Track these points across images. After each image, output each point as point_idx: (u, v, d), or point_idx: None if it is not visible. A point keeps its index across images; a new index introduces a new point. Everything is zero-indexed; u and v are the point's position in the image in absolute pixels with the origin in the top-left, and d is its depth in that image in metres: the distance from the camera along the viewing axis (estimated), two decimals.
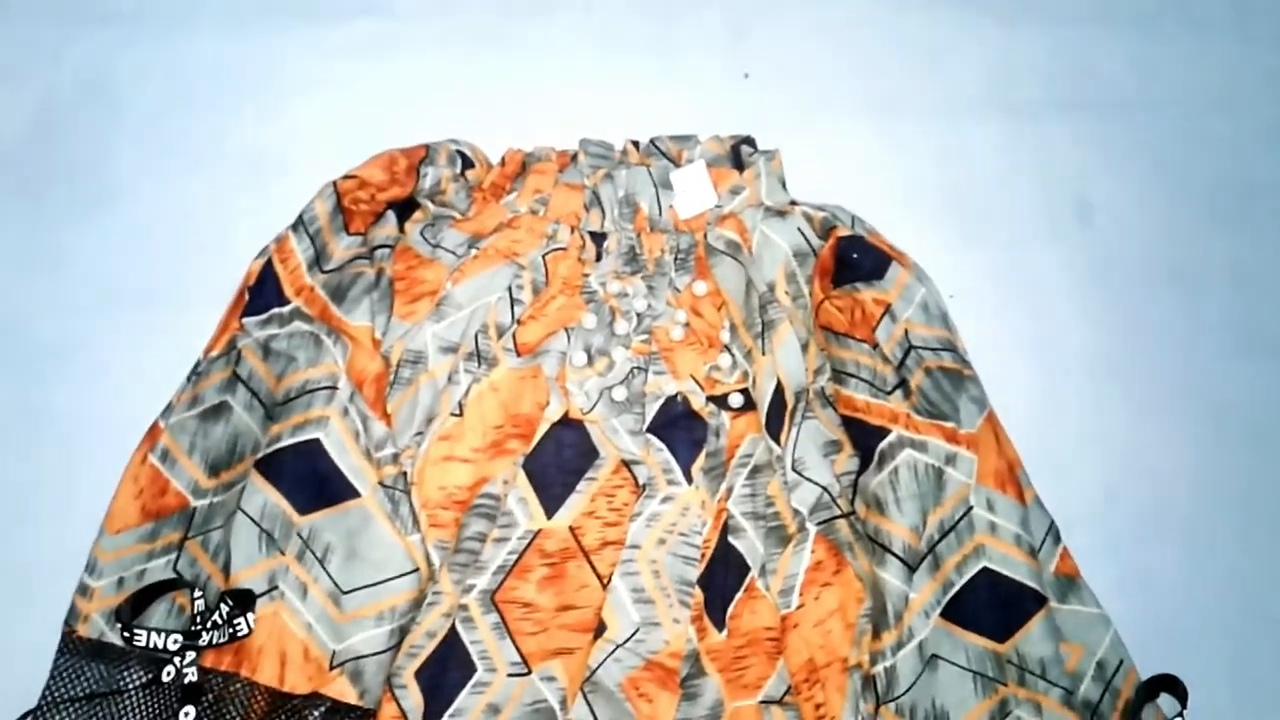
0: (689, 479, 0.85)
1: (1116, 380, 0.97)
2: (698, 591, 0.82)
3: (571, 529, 0.84)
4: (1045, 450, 0.90)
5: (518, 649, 0.80)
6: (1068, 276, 1.00)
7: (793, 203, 0.95)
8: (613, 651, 0.80)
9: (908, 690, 0.80)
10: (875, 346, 0.89)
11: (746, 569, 0.84)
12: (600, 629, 0.80)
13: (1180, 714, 0.81)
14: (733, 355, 0.90)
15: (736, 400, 0.89)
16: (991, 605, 0.82)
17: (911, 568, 0.82)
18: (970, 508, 0.84)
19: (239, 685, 0.79)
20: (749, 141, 0.97)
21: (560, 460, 0.86)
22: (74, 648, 0.80)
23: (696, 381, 0.89)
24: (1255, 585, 0.92)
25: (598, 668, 0.79)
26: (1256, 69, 1.07)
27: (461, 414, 0.86)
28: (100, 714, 0.78)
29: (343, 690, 0.79)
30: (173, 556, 0.83)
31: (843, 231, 0.92)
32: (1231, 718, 0.87)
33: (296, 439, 0.83)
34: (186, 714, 0.77)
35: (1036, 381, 0.96)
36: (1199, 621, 0.91)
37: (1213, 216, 1.03)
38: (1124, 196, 1.03)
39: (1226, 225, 1.03)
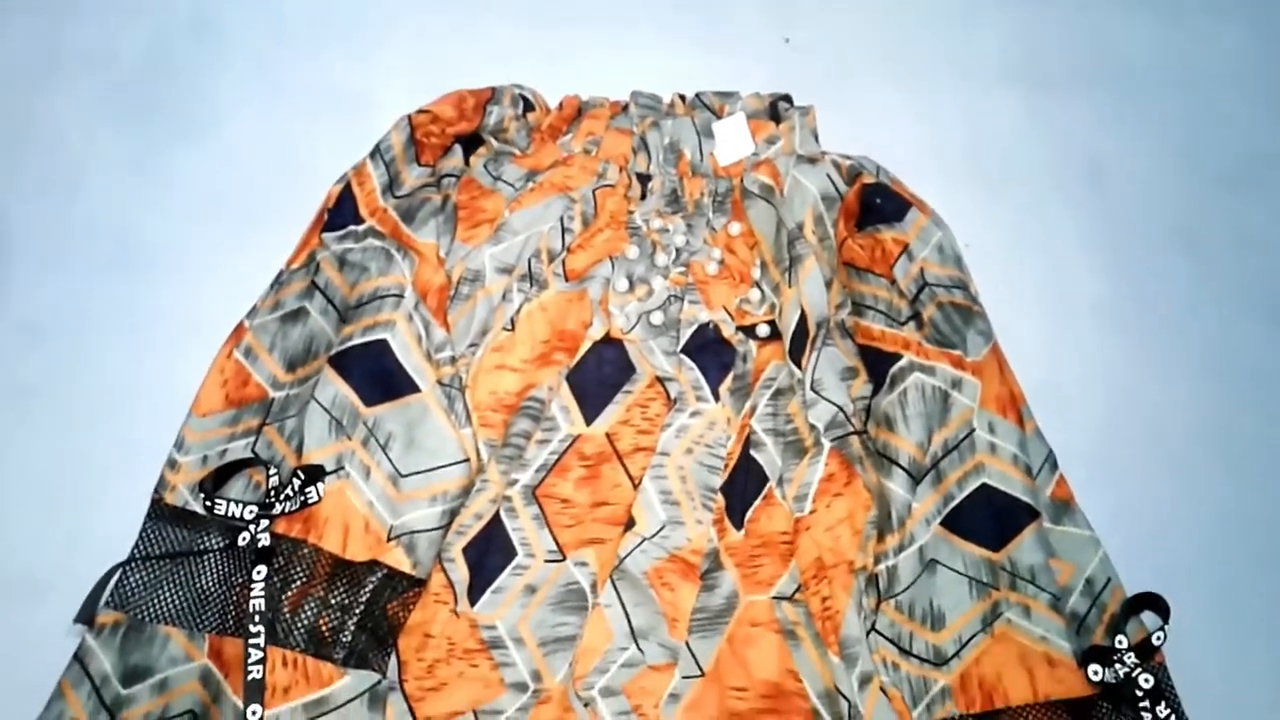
0: (716, 397, 0.93)
1: (1118, 327, 1.03)
2: (719, 497, 0.89)
3: (608, 435, 0.91)
4: (1049, 389, 0.97)
5: (554, 538, 0.88)
6: (1078, 233, 1.07)
7: (823, 153, 1.03)
8: (640, 544, 0.87)
9: (907, 588, 0.86)
10: (893, 282, 0.96)
11: (765, 479, 0.90)
12: (630, 524, 0.88)
13: (1162, 629, 0.85)
14: (762, 290, 0.98)
15: (763, 330, 0.96)
16: (988, 517, 0.88)
17: (916, 479, 0.88)
18: (973, 430, 0.91)
19: (306, 550, 0.86)
20: (786, 99, 1.05)
21: (600, 374, 0.93)
22: (160, 513, 0.88)
23: (728, 312, 0.97)
24: (1237, 518, 0.97)
25: (626, 557, 0.86)
26: (1265, 51, 1.14)
27: (513, 329, 0.94)
28: (182, 570, 0.86)
29: (398, 560, 0.86)
30: (252, 439, 0.91)
31: (868, 179, 0.99)
32: (1211, 636, 0.92)
33: (366, 339, 0.91)
34: (259, 572, 0.84)
35: (1043, 325, 1.02)
36: (1185, 549, 0.96)
37: (1218, 184, 1.09)
38: (1135, 164, 1.09)
39: (1230, 193, 1.09)
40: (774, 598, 0.87)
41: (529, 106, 1.04)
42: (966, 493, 0.89)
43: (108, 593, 0.84)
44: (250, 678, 0.81)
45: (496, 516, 0.88)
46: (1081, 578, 0.89)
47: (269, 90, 1.10)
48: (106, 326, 1.00)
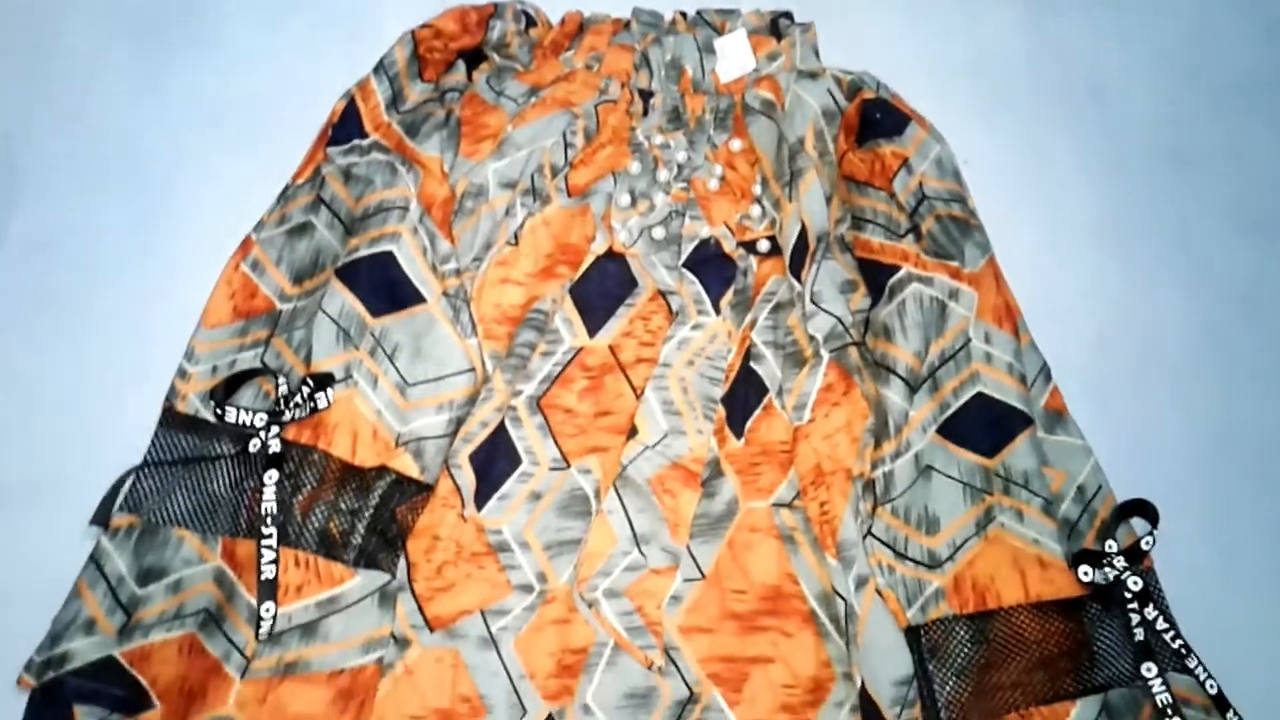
0: (717, 310, 0.94)
1: (1115, 242, 1.05)
2: (720, 407, 0.91)
3: (610, 347, 0.93)
4: (1045, 302, 0.98)
5: (559, 447, 0.89)
6: (1076, 149, 1.07)
7: (824, 69, 1.03)
8: (642, 452, 0.88)
9: (903, 494, 0.88)
10: (891, 195, 0.97)
11: (765, 390, 0.92)
12: (632, 432, 0.89)
13: (1151, 534, 0.87)
14: (763, 206, 0.98)
15: (764, 246, 0.97)
16: (983, 425, 0.90)
17: (913, 388, 0.90)
18: (969, 340, 0.92)
19: (316, 456, 0.88)
20: (787, 15, 1.04)
21: (603, 287, 0.94)
22: (172, 421, 0.89)
23: (729, 228, 0.97)
24: (1227, 430, 1.00)
25: (629, 464, 0.88)
26: None
27: (517, 243, 0.95)
28: (193, 475, 0.87)
29: (406, 465, 0.88)
30: (260, 350, 0.92)
31: (868, 94, 0.99)
32: (1200, 543, 0.95)
33: (372, 250, 0.92)
34: (270, 476, 0.86)
35: (1040, 240, 1.04)
36: (1176, 460, 0.98)
37: (1216, 102, 1.10)
38: (1135, 82, 1.10)
39: (1228, 111, 1.10)
40: (773, 504, 0.88)
41: (531, 22, 1.04)
42: (962, 401, 0.91)
43: (121, 497, 0.85)
44: (263, 577, 0.83)
45: (502, 425, 0.89)
46: (1073, 485, 0.91)
47: (273, 7, 1.09)
48: (114, 242, 1.01)
